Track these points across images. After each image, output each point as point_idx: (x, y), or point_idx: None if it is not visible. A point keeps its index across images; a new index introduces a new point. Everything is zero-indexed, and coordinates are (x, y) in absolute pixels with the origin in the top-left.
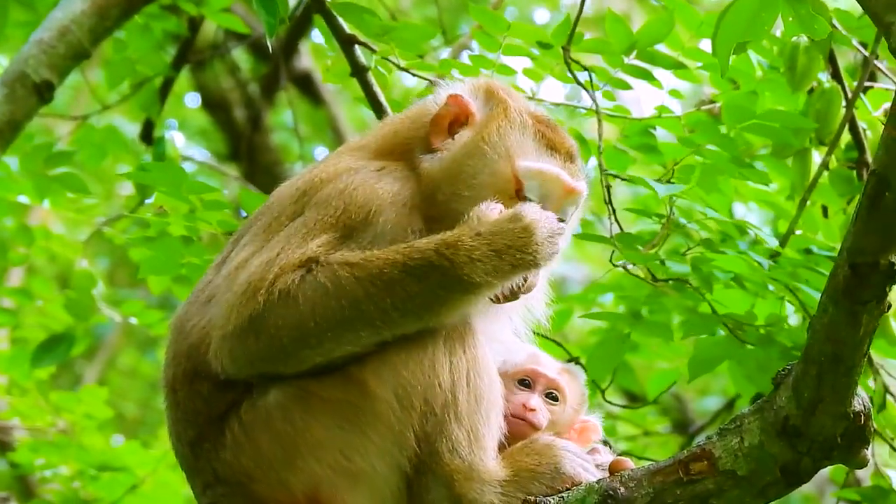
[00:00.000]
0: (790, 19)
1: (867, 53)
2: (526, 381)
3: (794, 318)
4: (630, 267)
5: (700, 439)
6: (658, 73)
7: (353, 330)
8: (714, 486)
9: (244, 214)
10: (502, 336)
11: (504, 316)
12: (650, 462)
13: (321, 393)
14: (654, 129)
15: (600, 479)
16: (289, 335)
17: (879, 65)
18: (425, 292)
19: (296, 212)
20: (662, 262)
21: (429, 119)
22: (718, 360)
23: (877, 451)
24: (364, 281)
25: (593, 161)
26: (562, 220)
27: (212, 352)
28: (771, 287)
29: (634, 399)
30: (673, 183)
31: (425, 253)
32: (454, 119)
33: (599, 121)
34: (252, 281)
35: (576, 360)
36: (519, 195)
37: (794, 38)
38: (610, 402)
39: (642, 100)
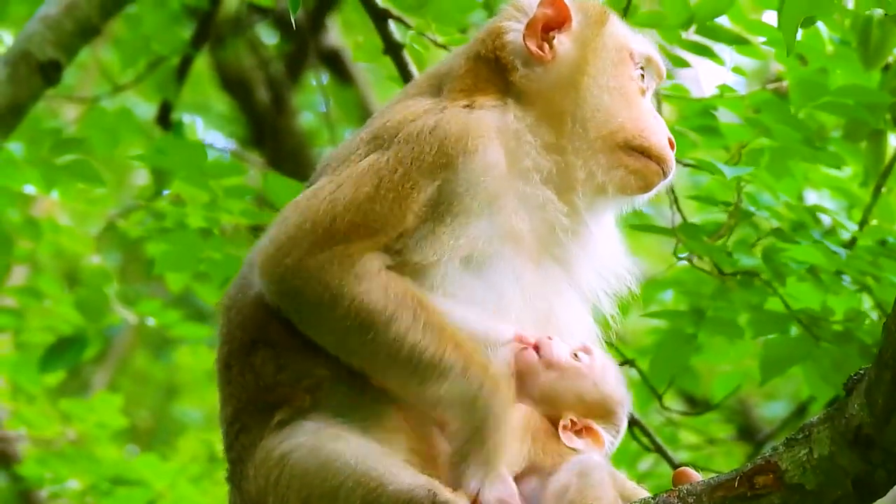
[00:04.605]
0: None
1: None
2: None
3: (875, 314)
4: (695, 261)
5: (767, 450)
6: (719, 48)
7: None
8: (780, 501)
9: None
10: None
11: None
12: (712, 475)
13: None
14: (716, 109)
15: (656, 494)
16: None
17: None
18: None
19: (370, 151)
20: (730, 255)
21: (509, 32)
22: (793, 360)
23: None
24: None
25: None
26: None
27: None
28: (846, 279)
29: (695, 404)
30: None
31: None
32: (547, 23)
33: (659, 101)
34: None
35: (630, 363)
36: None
37: (867, 11)
38: (668, 409)
39: (702, 78)
